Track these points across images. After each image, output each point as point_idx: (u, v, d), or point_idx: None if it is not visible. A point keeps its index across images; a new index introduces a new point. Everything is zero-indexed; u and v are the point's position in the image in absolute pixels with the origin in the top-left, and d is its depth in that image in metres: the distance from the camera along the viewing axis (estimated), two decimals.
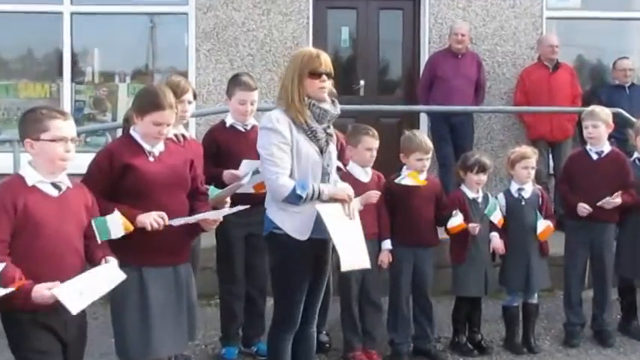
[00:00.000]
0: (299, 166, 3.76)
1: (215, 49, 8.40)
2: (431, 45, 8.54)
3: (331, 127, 3.90)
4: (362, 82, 8.66)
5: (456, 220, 5.25)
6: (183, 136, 4.34)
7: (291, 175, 3.75)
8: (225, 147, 4.86)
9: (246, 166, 4.47)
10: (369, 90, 8.69)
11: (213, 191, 4.23)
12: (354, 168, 5.05)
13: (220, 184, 4.53)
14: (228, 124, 4.98)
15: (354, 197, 3.89)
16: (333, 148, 3.91)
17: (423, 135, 5.42)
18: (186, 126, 4.58)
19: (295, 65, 3.83)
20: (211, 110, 7.67)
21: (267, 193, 3.84)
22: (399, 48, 8.78)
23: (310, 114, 3.79)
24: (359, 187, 4.66)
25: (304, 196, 3.68)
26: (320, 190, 3.74)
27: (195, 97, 4.56)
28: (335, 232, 3.61)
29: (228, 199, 4.34)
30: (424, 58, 8.51)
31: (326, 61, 3.81)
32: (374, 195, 4.82)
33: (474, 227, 5.30)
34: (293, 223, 3.72)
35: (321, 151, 3.81)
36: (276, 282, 3.88)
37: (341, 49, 8.81)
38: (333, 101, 3.89)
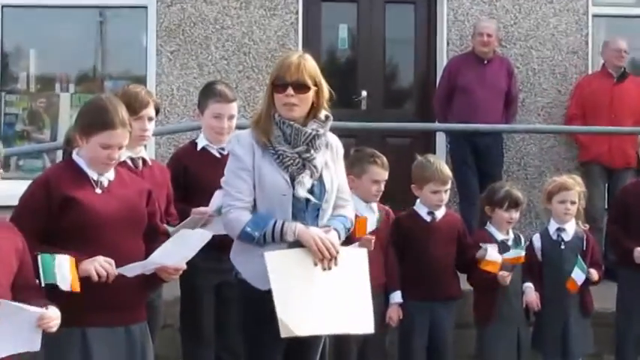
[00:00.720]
0: (263, 198, 3.84)
1: (181, 50, 8.43)
2: (450, 47, 8.58)
3: (319, 149, 3.93)
4: (364, 93, 8.70)
5: (493, 255, 5.28)
6: (144, 160, 4.44)
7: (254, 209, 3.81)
8: (196, 176, 4.90)
9: (220, 199, 4.36)
10: (373, 103, 8.72)
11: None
12: (356, 204, 4.87)
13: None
14: (199, 147, 5.03)
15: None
16: (327, 177, 3.95)
17: (439, 161, 5.53)
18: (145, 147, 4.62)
19: (271, 74, 3.97)
20: (175, 128, 7.73)
21: None
22: (410, 51, 8.83)
23: (280, 133, 3.87)
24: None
25: (256, 235, 3.75)
26: (283, 230, 3.79)
27: (157, 111, 4.61)
28: (278, 286, 3.67)
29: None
30: (441, 63, 8.56)
31: (297, 67, 3.84)
32: (367, 242, 4.82)
33: (504, 276, 5.34)
34: (254, 269, 3.79)
35: (292, 180, 3.85)
36: (243, 341, 3.99)
37: (338, 52, 8.90)
38: (326, 117, 3.95)
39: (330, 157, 4.03)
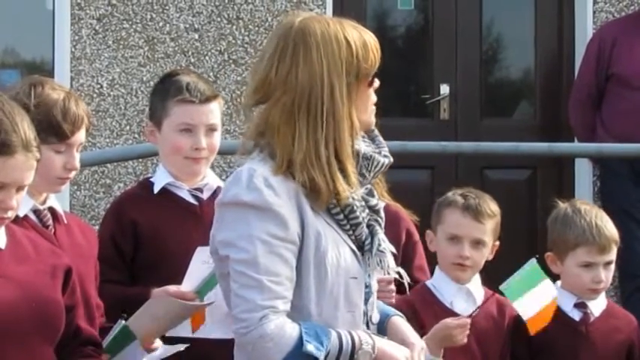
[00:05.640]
0: (317, 288, 3.35)
1: (115, 15, 7.32)
2: (599, 6, 7.38)
3: (376, 195, 3.56)
4: (444, 90, 7.57)
5: None
6: (54, 213, 3.92)
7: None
8: (154, 238, 4.38)
9: (204, 270, 4.15)
10: (461, 108, 7.64)
11: (123, 329, 3.93)
12: (441, 282, 4.68)
13: None
14: (157, 188, 4.51)
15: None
16: (382, 241, 3.49)
17: (595, 210, 4.90)
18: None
19: (334, 59, 3.38)
20: (109, 154, 6.86)
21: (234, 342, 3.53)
22: (526, 16, 7.71)
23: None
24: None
25: (321, 358, 3.29)
26: (355, 348, 3.28)
27: (87, 128, 4.00)
28: None
29: (158, 342, 3.95)
30: (584, 36, 7.49)
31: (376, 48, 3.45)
32: (455, 328, 4.40)
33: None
34: None
35: (362, 250, 3.41)
36: None
37: (396, 15, 7.89)
38: (368, 132, 3.54)
39: None
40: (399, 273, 3.55)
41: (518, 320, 4.83)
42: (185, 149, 4.42)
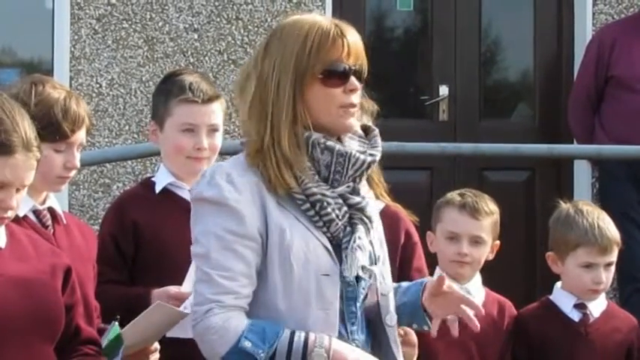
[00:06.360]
0: (285, 285, 3.33)
1: (114, 15, 7.31)
2: (598, 7, 7.43)
3: (368, 193, 3.55)
4: (443, 91, 7.60)
5: None
6: (53, 213, 3.94)
7: (255, 304, 3.35)
8: (155, 238, 4.39)
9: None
10: (460, 109, 7.68)
11: (115, 332, 3.88)
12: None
13: None
14: (158, 188, 4.54)
15: None
16: (378, 239, 3.52)
17: (597, 212, 4.93)
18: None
19: (287, 52, 3.37)
20: (110, 154, 6.81)
21: None
22: (525, 18, 7.75)
23: (310, 164, 3.36)
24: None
25: (260, 355, 3.21)
26: (307, 349, 3.23)
27: (88, 129, 4.05)
28: None
29: (156, 345, 3.98)
30: (583, 37, 7.53)
31: (356, 44, 3.39)
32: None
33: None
34: None
35: (338, 248, 3.35)
36: None
37: (395, 16, 7.93)
38: (367, 131, 3.52)
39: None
40: (370, 274, 3.50)
41: (516, 325, 4.86)
42: (187, 149, 4.45)
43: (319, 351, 3.22)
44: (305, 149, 3.36)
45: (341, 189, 3.40)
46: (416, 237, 4.80)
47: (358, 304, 3.42)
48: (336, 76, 3.36)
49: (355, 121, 3.42)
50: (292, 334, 3.27)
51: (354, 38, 3.39)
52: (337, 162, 3.37)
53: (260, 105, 3.37)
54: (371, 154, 3.44)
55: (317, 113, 3.37)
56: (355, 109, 3.39)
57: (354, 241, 3.39)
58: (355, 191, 3.43)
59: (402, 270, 4.68)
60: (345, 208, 3.39)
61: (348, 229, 3.39)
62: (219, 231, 3.32)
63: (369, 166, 3.43)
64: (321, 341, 3.24)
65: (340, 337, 3.30)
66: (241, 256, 3.32)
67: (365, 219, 3.42)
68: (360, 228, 3.42)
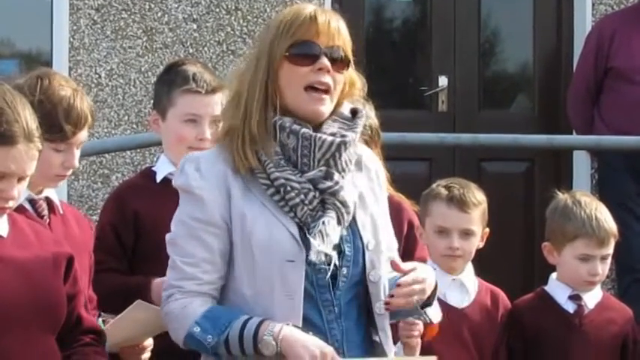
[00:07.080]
0: (250, 271, 3.36)
1: (112, 8, 7.40)
2: (597, 1, 7.50)
3: (346, 170, 3.45)
4: (442, 82, 7.68)
5: None
6: (50, 203, 3.96)
7: (226, 290, 3.41)
8: (155, 228, 4.25)
9: None
10: (459, 99, 7.77)
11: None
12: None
13: None
14: (159, 177, 4.55)
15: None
16: (366, 221, 3.48)
17: (595, 203, 4.98)
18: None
19: (263, 40, 3.48)
20: (110, 144, 6.89)
21: None
22: (525, 8, 7.80)
23: (279, 148, 3.39)
24: (453, 315, 4.53)
25: (208, 341, 3.27)
26: (258, 336, 3.23)
27: (90, 126, 4.08)
28: None
29: (150, 342, 3.97)
30: (582, 28, 7.56)
31: (330, 25, 3.38)
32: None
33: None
34: None
35: (304, 234, 3.35)
36: None
37: (393, 11, 8.07)
38: (354, 113, 3.48)
39: (366, 185, 3.52)
40: (336, 265, 3.47)
41: (511, 317, 4.91)
42: (189, 139, 4.48)
43: (267, 338, 3.25)
44: (273, 133, 3.37)
45: (311, 173, 3.40)
46: (419, 227, 4.88)
47: (338, 292, 3.40)
48: (302, 55, 3.38)
49: (326, 108, 3.41)
50: (246, 321, 3.29)
51: (326, 19, 3.41)
52: (303, 145, 3.39)
53: (239, 89, 3.41)
54: (342, 135, 3.43)
55: (286, 96, 3.38)
56: (326, 95, 3.38)
57: (317, 227, 3.39)
58: (329, 175, 3.42)
59: (404, 260, 4.58)
60: (313, 193, 3.39)
61: (320, 213, 3.40)
62: (184, 218, 3.40)
63: (338, 148, 3.41)
64: (272, 328, 3.26)
65: (314, 325, 3.33)
66: (204, 242, 3.37)
67: (338, 204, 3.41)
68: (331, 213, 3.42)
